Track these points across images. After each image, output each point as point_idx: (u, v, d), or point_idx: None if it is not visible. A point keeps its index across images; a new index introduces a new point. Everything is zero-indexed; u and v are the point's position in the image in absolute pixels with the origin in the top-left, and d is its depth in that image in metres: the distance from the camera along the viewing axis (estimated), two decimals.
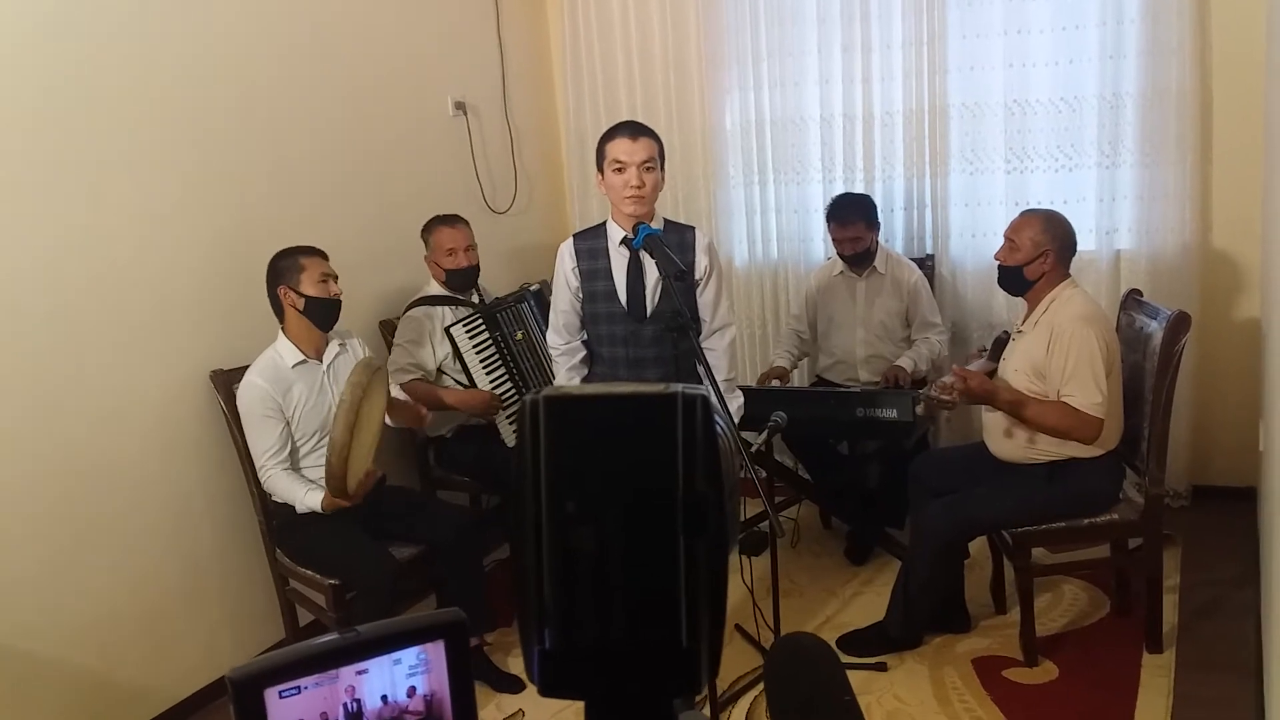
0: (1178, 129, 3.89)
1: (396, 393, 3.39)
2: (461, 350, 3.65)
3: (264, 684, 0.77)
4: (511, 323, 3.79)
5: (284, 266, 3.07)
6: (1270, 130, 3.45)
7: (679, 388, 0.59)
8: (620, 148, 2.87)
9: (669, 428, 0.58)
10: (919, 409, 3.06)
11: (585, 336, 3.13)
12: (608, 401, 0.60)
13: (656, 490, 0.58)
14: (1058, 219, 3.10)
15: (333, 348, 3.19)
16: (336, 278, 3.14)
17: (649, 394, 0.59)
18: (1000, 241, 3.17)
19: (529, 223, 4.84)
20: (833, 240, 4.03)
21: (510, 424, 3.66)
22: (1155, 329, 3.05)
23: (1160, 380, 2.98)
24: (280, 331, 3.12)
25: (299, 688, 0.79)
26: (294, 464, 3.10)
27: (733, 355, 3.13)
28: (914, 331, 4.06)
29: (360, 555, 3.02)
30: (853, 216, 3.95)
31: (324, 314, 3.10)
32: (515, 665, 3.32)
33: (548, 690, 0.63)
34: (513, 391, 3.70)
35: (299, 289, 3.05)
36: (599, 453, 0.59)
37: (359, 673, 0.81)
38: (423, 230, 3.80)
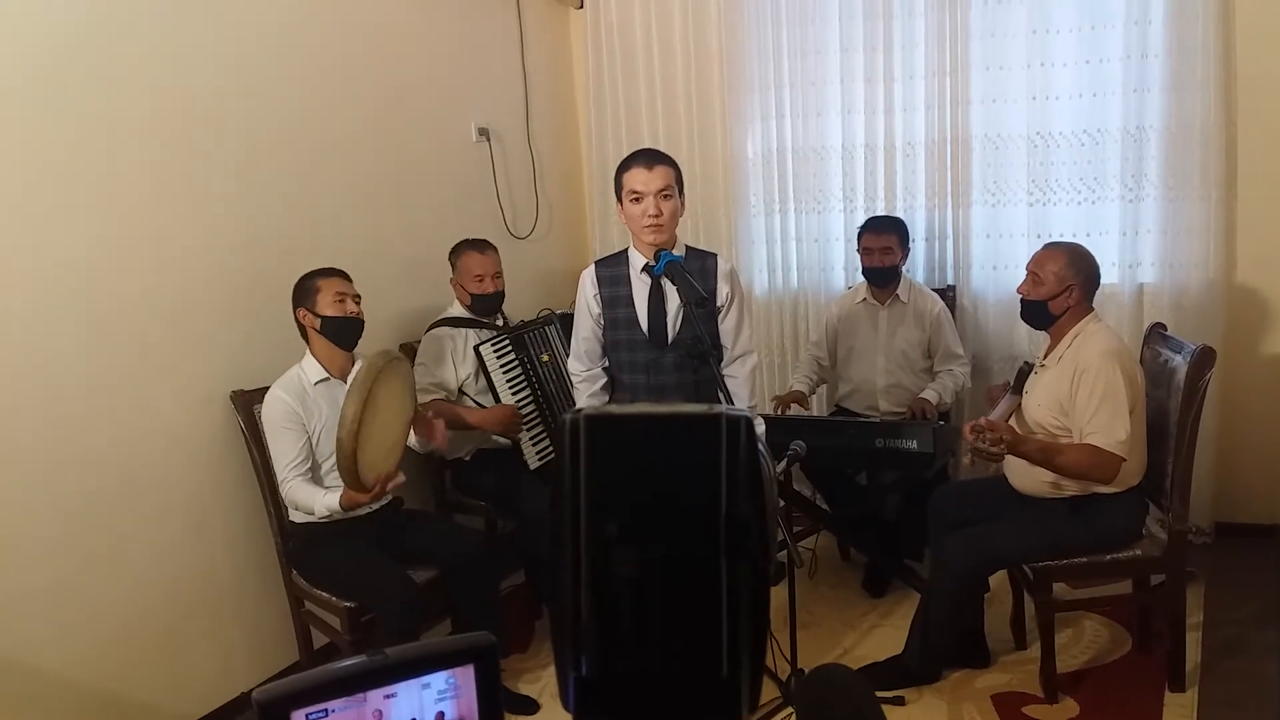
0: (1202, 163, 3.88)
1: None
2: (489, 369, 3.65)
3: (291, 706, 0.76)
4: (538, 345, 3.80)
5: (302, 289, 3.12)
6: None
7: (722, 408, 0.58)
8: (637, 177, 2.88)
9: (713, 448, 0.57)
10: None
11: (606, 363, 3.13)
12: (650, 421, 0.59)
13: (699, 513, 0.56)
14: (1082, 253, 3.08)
15: (358, 368, 3.20)
16: (358, 297, 3.16)
17: (692, 414, 0.58)
18: (1022, 274, 3.16)
19: (549, 249, 4.86)
20: (863, 253, 4.03)
21: (533, 445, 3.66)
22: (1179, 364, 3.02)
23: (1184, 416, 2.95)
24: (307, 351, 3.15)
25: (326, 710, 0.78)
26: (315, 479, 3.10)
27: (754, 383, 3.11)
28: (937, 363, 4.04)
29: (379, 577, 3.01)
30: (888, 227, 4.00)
31: (342, 332, 3.12)
32: (527, 690, 3.30)
33: (583, 719, 0.62)
34: (536, 413, 3.70)
35: (315, 310, 3.09)
36: (641, 473, 0.57)
37: (387, 696, 0.80)
38: (450, 253, 3.82)
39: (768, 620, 0.61)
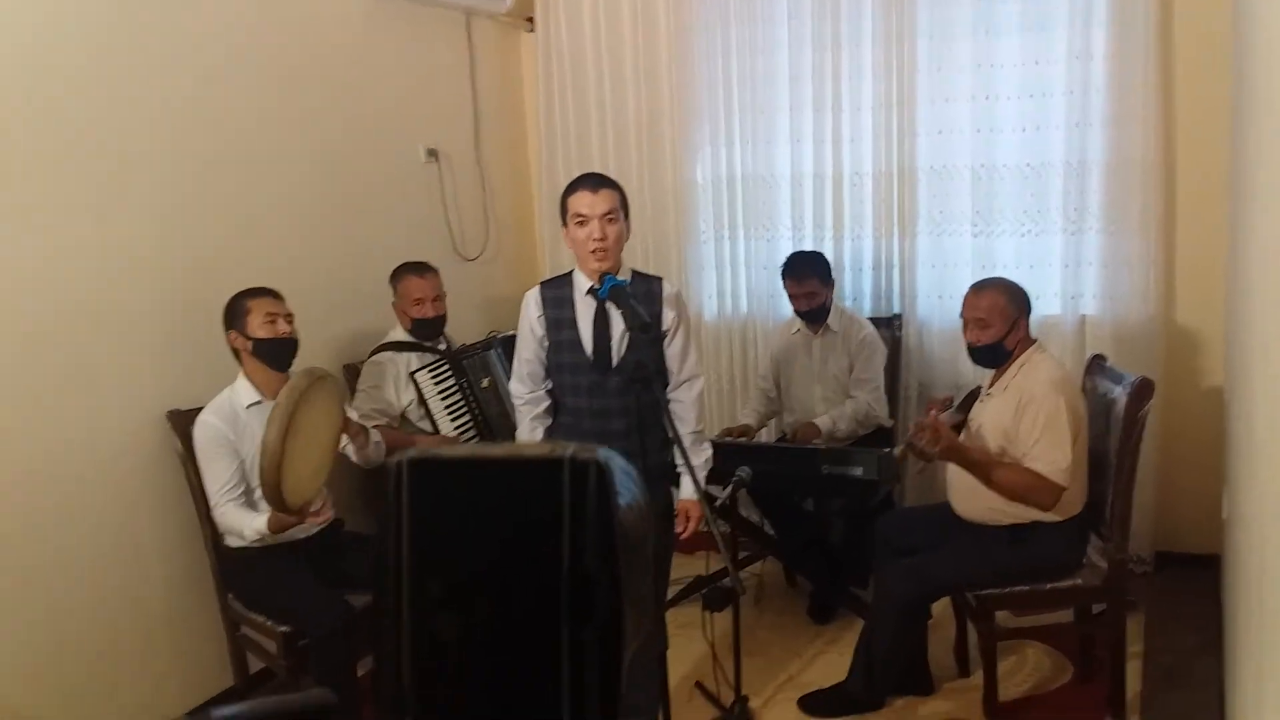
0: (1142, 197, 3.94)
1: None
2: (426, 396, 3.60)
3: None
4: (478, 370, 3.74)
5: (232, 311, 3.06)
6: (1234, 201, 3.48)
7: (569, 450, 0.54)
8: (582, 201, 2.86)
9: (554, 498, 0.52)
10: (896, 452, 2.99)
11: (550, 386, 3.10)
12: (483, 466, 0.55)
13: (538, 570, 0.51)
14: (1014, 286, 3.13)
15: None
16: (289, 316, 3.10)
17: (531, 458, 0.54)
18: None
19: (498, 271, 4.83)
20: (790, 297, 4.05)
21: None
22: (1119, 394, 3.05)
23: (1124, 446, 2.98)
24: (240, 374, 3.09)
25: None
26: (249, 503, 3.03)
27: (701, 407, 3.07)
28: (850, 387, 4.04)
29: (313, 601, 2.95)
30: (808, 272, 3.99)
31: (274, 354, 3.07)
32: None
33: None
34: (477, 439, 3.65)
35: (246, 332, 3.04)
36: (471, 526, 0.53)
37: None
38: (391, 277, 3.77)
39: (619, 688, 0.57)
